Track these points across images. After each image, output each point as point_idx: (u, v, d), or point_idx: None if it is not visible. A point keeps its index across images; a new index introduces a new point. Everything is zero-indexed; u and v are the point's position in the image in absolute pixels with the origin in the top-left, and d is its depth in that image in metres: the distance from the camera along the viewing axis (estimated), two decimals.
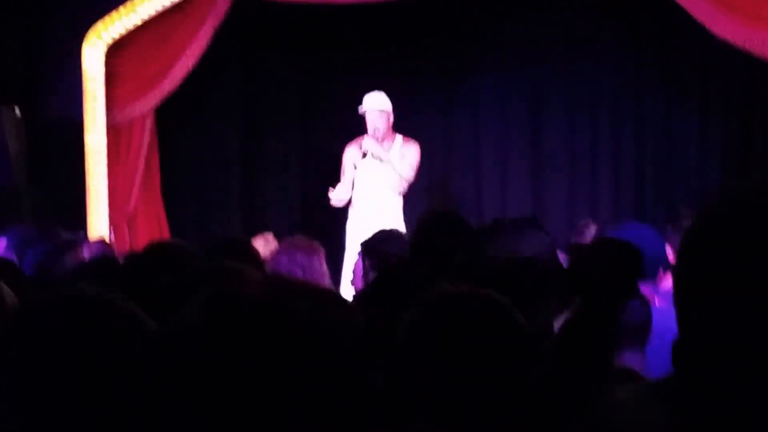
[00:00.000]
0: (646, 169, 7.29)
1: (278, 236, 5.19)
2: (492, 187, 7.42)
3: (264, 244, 4.82)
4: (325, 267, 3.71)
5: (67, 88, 6.46)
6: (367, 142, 5.84)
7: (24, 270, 3.34)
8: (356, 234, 5.58)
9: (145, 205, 6.80)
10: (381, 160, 5.82)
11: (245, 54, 7.30)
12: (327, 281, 3.73)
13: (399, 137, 5.95)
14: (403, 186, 5.89)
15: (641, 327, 2.34)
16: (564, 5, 7.12)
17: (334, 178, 6.04)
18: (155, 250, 2.74)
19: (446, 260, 2.55)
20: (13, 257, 3.72)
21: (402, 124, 7.34)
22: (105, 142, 6.52)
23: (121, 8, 6.40)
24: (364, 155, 5.84)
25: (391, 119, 5.90)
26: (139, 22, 6.45)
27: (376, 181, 5.87)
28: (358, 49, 7.15)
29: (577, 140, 7.35)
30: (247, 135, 7.41)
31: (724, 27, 5.56)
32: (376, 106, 5.81)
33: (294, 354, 0.87)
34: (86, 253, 3.95)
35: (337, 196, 5.90)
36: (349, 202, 5.97)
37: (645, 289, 2.52)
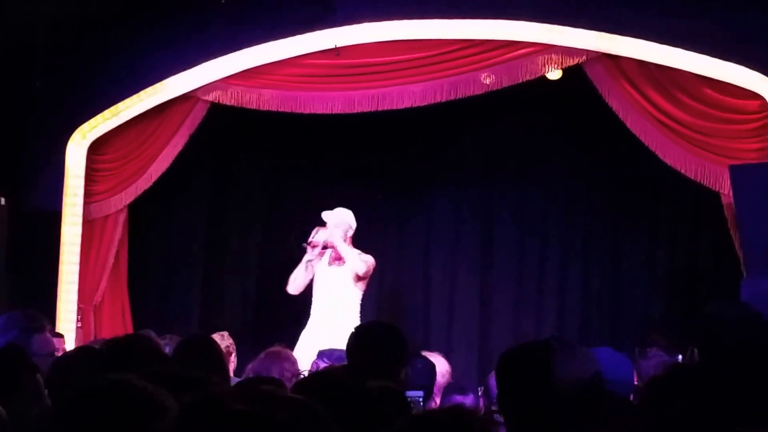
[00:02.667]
0: (592, 291, 7.71)
1: (232, 331, 5.71)
2: (441, 301, 7.90)
3: (220, 340, 5.29)
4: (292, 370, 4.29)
5: (49, 182, 7.06)
6: (322, 234, 6.42)
7: None
8: (312, 336, 6.11)
9: (111, 295, 7.31)
10: (334, 247, 6.36)
11: (214, 157, 7.93)
12: None
13: (356, 251, 6.53)
14: (358, 284, 6.41)
15: None
16: (519, 129, 7.71)
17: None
18: (129, 342, 3.24)
19: (379, 365, 2.97)
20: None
21: (355, 235, 7.94)
22: (80, 235, 7.05)
23: (106, 112, 7.01)
24: (324, 247, 6.39)
25: (349, 234, 6.49)
26: (121, 125, 7.07)
27: (334, 287, 6.43)
28: (319, 158, 7.81)
29: (526, 259, 7.83)
30: (211, 234, 7.97)
31: (675, 156, 6.09)
32: (333, 220, 6.44)
33: None
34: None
35: (294, 282, 6.49)
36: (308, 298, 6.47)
37: None
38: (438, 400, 4.24)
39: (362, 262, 6.41)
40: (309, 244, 6.46)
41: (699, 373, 2.20)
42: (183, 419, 0.98)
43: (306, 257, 6.49)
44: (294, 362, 4.35)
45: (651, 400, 2.12)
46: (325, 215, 6.52)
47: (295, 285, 6.55)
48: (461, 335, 7.77)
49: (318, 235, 6.50)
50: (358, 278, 6.43)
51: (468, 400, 4.11)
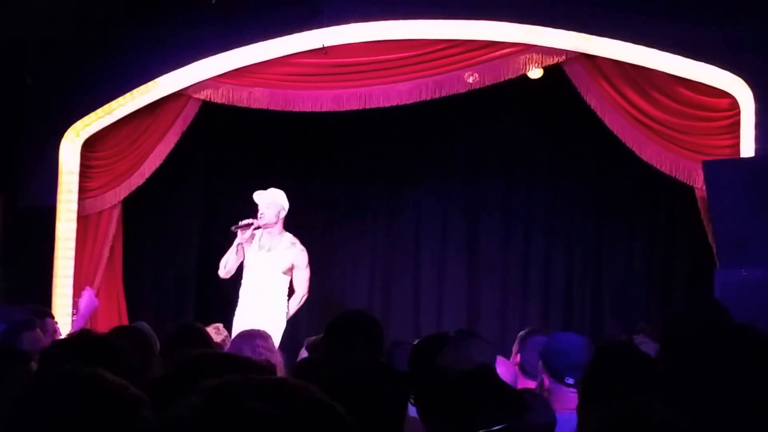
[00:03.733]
0: (574, 282, 8.02)
1: (227, 325, 5.93)
2: (430, 292, 8.19)
3: (215, 333, 5.51)
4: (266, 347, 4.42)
5: (43, 179, 7.27)
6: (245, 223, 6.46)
7: None
8: (240, 320, 6.27)
9: (107, 289, 7.52)
10: (256, 228, 6.42)
11: (207, 153, 8.17)
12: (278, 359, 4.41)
13: (288, 235, 6.56)
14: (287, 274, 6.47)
15: (545, 428, 2.44)
16: (503, 126, 8.01)
17: None
18: (120, 333, 3.44)
19: (352, 355, 3.14)
20: None
21: (348, 229, 8.19)
22: (75, 230, 7.26)
23: (100, 110, 7.21)
24: (244, 228, 6.44)
25: (281, 216, 6.53)
26: (114, 123, 7.28)
27: (261, 273, 6.48)
28: (309, 154, 8.04)
29: (511, 251, 8.12)
30: (205, 229, 8.20)
31: (651, 153, 6.34)
32: (264, 200, 6.51)
33: None
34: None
35: (225, 266, 6.58)
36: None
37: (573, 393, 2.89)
38: None
39: (289, 258, 6.41)
40: (238, 227, 6.50)
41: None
42: (202, 405, 0.99)
43: (236, 240, 6.54)
44: (267, 338, 4.37)
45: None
46: (257, 196, 6.55)
47: (226, 269, 6.61)
48: (450, 325, 8.03)
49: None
50: (288, 271, 6.47)
51: None
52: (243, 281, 6.57)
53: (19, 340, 3.85)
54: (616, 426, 1.34)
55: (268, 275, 6.46)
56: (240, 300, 6.56)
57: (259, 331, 4.49)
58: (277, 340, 5.52)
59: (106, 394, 1.39)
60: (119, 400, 1.38)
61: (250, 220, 6.50)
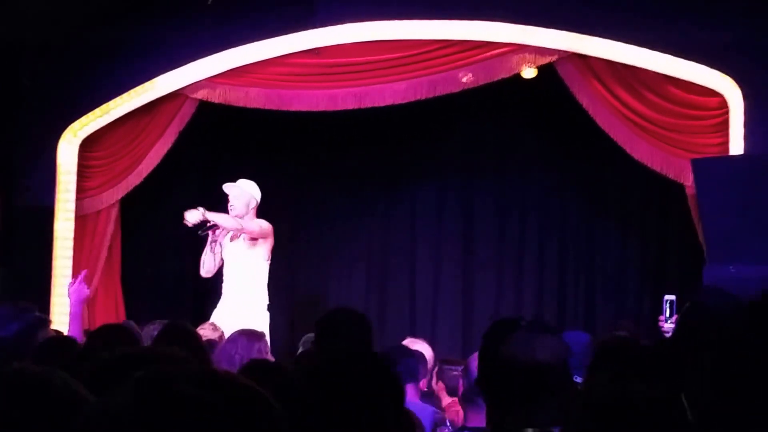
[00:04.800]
0: (568, 275, 8.21)
1: None
2: (426, 287, 8.35)
3: (212, 331, 5.63)
4: (266, 350, 4.52)
5: (41, 179, 7.38)
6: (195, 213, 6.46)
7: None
8: (222, 313, 6.38)
9: (105, 288, 7.65)
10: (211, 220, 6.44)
11: (204, 153, 8.31)
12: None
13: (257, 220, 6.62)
14: (257, 249, 6.47)
15: None
16: (497, 125, 8.18)
17: None
18: (105, 331, 3.56)
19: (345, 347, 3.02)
20: None
21: (343, 227, 8.33)
22: (73, 230, 7.38)
23: (97, 110, 7.33)
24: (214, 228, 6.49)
25: (251, 206, 6.57)
26: (112, 122, 7.40)
27: (237, 261, 6.55)
28: (306, 153, 8.18)
29: (506, 248, 8.30)
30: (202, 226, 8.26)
31: (642, 151, 6.49)
32: (233, 192, 6.58)
33: None
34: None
35: (203, 266, 6.67)
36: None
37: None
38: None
39: (256, 225, 6.41)
40: (207, 228, 6.50)
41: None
42: (131, 394, 1.01)
43: (209, 239, 6.62)
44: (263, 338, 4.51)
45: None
46: (226, 187, 6.62)
47: (204, 268, 6.70)
48: (445, 320, 8.22)
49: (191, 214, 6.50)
50: (253, 240, 6.46)
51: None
52: (223, 275, 6.66)
53: (35, 339, 3.94)
54: (603, 405, 1.37)
55: (241, 262, 6.52)
56: (222, 293, 6.64)
57: (252, 331, 4.61)
58: (262, 328, 5.60)
59: (48, 395, 1.37)
60: (62, 401, 1.36)
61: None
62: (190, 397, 1.00)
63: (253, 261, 6.52)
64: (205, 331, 5.35)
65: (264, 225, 6.52)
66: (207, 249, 6.65)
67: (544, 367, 2.28)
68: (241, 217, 6.49)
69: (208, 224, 6.50)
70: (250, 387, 1.05)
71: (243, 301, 6.42)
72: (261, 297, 6.51)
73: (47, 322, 4.66)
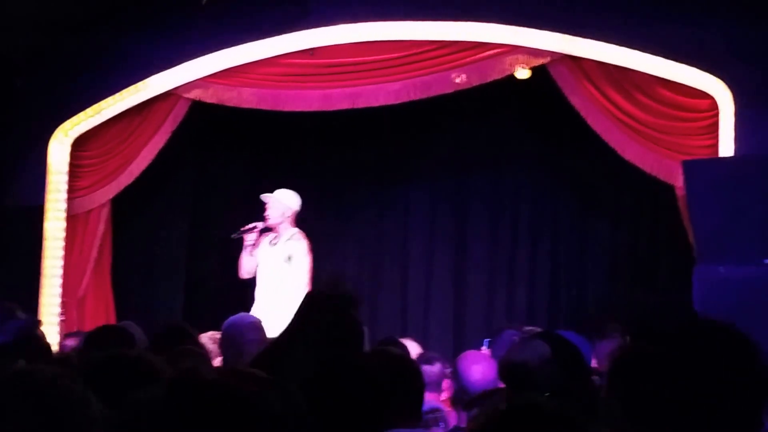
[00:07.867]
0: (560, 275, 8.36)
1: (218, 325, 6.18)
2: (418, 287, 8.52)
3: (212, 342, 5.74)
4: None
5: (32, 178, 7.52)
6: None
7: None
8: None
9: (95, 288, 7.78)
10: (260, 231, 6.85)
11: (196, 153, 8.44)
12: None
13: (294, 229, 6.95)
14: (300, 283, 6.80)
15: None
16: (489, 123, 8.32)
17: None
18: (105, 332, 3.68)
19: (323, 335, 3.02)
20: None
21: (336, 226, 8.47)
22: (63, 230, 7.50)
23: (89, 110, 7.46)
24: (246, 232, 6.90)
25: (287, 215, 6.93)
26: (104, 122, 7.53)
27: (270, 269, 6.89)
28: (299, 153, 8.33)
29: (498, 247, 8.45)
30: (194, 228, 8.49)
31: (633, 152, 6.65)
32: (270, 201, 6.94)
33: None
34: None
35: (242, 267, 7.01)
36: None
37: None
38: None
39: (299, 268, 6.79)
40: (239, 233, 6.94)
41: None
42: (165, 393, 1.07)
43: (247, 242, 6.98)
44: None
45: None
46: (263, 197, 6.96)
47: (243, 270, 7.05)
48: (437, 320, 8.39)
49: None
50: (288, 260, 6.84)
51: (435, 369, 4.53)
52: (257, 279, 6.99)
53: (34, 339, 4.06)
54: (507, 417, 1.37)
55: (273, 268, 6.87)
56: (255, 298, 6.94)
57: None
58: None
59: (44, 393, 1.41)
60: (56, 398, 1.40)
61: (253, 225, 6.93)
62: (220, 388, 1.07)
63: (281, 264, 6.84)
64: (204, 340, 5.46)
65: (304, 248, 6.82)
66: (245, 252, 7.01)
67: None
68: (276, 225, 6.88)
69: (241, 229, 6.93)
70: (270, 379, 1.14)
71: (273, 302, 6.66)
72: (291, 298, 6.74)
73: (39, 322, 4.76)
